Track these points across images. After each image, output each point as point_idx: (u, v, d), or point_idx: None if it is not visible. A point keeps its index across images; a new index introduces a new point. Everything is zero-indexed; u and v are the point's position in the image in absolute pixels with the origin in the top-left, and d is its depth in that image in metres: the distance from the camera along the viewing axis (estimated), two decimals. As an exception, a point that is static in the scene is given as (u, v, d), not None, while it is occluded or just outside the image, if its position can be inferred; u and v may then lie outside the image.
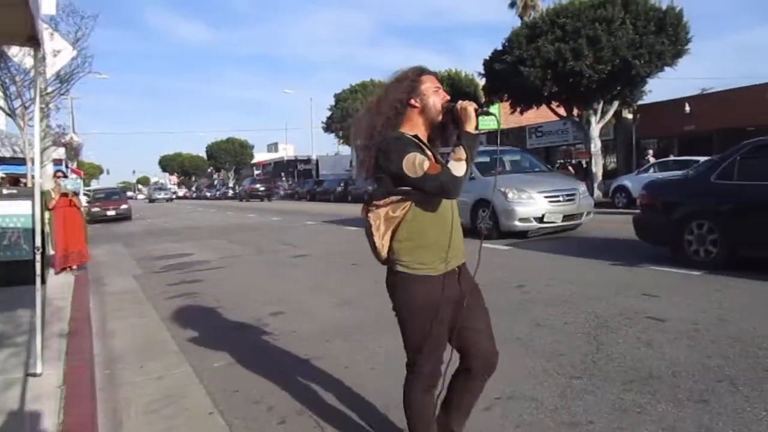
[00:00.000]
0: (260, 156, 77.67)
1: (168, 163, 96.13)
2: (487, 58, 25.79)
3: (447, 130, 2.28)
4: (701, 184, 6.64)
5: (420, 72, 2.28)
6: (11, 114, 9.63)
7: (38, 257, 4.16)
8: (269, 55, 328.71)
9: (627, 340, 4.14)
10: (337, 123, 43.30)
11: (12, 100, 9.50)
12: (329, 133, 45.33)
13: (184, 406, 3.48)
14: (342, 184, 38.27)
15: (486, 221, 10.21)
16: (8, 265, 7.09)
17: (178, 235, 15.83)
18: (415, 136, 2.21)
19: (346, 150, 55.20)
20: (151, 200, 60.16)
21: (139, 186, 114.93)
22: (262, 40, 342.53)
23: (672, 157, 21.51)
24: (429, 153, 2.18)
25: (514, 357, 3.90)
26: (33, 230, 7.22)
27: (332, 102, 45.17)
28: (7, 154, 12.60)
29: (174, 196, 60.83)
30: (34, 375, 3.76)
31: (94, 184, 62.97)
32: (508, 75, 23.33)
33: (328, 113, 44.52)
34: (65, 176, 9.82)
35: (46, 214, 8.13)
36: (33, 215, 6.79)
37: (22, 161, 11.39)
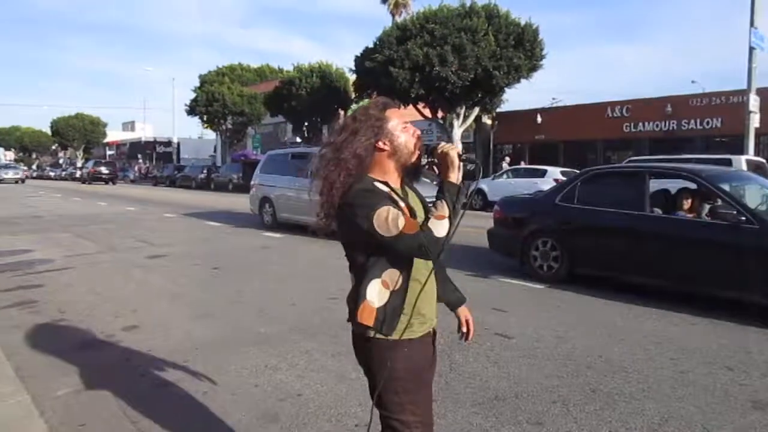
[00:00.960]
0: (115, 135, 72.28)
1: (3, 138, 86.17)
2: (359, 55, 26.14)
3: (420, 171, 2.06)
4: (547, 205, 7.28)
5: (384, 107, 2.01)
6: None
7: None
8: (124, 25, 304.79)
9: (477, 359, 4.46)
10: (201, 107, 41.47)
11: None
12: (193, 116, 43.28)
13: (21, 447, 3.21)
14: (205, 171, 36.86)
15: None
16: None
17: (14, 225, 14.25)
18: (386, 184, 1.96)
19: (209, 134, 53.10)
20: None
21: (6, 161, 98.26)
22: (112, 5, 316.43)
23: (523, 165, 23.27)
24: (402, 205, 1.92)
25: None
26: None
27: (197, 83, 43.19)
28: None
29: (26, 176, 50.28)
30: None
31: None
32: (378, 74, 23.85)
33: (192, 95, 42.48)
34: None
35: None
36: None
37: None
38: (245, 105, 40.67)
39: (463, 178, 2.02)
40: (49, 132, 73.39)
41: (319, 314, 5.75)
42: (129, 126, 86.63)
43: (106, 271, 8.23)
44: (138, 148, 62.73)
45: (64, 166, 63.29)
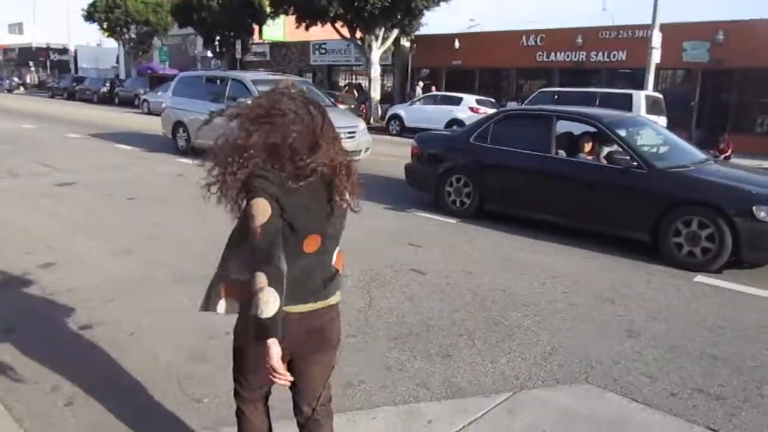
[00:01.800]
0: (1, 38, 65.36)
1: None
2: (276, -32, 24.80)
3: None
4: (462, 143, 7.62)
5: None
6: None
7: None
8: None
9: (394, 294, 4.83)
10: (101, 12, 38.20)
11: None
12: (91, 22, 39.87)
13: (-52, 392, 3.25)
14: (107, 84, 34.44)
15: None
16: None
17: None
18: None
19: (110, 43, 49.21)
20: None
21: None
22: None
23: (438, 92, 23.53)
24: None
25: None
26: None
27: (95, -14, 39.53)
28: None
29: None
30: None
31: None
32: (297, -10, 22.85)
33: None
34: None
35: None
36: None
37: None
38: (150, 14, 37.93)
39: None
40: None
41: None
42: (16, 28, 78.28)
43: (10, 199, 7.86)
44: (29, 54, 57.22)
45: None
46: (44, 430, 2.91)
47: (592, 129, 6.91)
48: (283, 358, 1.89)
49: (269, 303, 1.79)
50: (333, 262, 2.12)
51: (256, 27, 32.17)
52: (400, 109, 21.56)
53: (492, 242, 6.57)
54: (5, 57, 61.04)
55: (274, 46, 35.07)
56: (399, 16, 24.06)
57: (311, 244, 1.98)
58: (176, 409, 3.12)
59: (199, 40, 36.34)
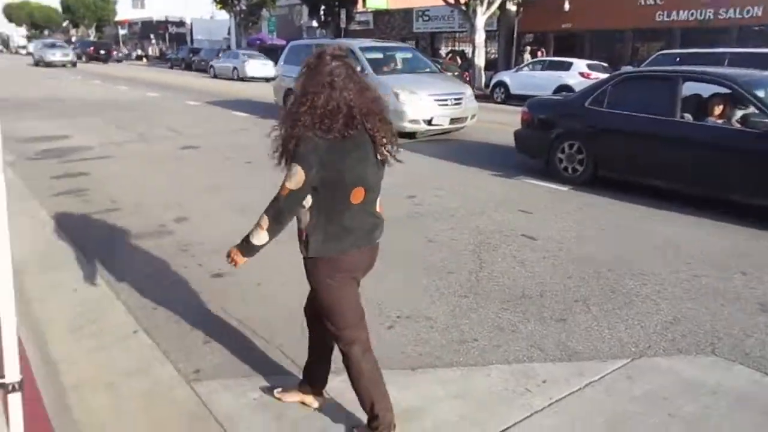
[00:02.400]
0: (125, 13, 70.09)
1: (15, 12, 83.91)
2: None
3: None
4: (576, 108, 7.34)
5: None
6: None
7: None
8: None
9: (505, 259, 4.82)
10: (214, -16, 39.90)
11: None
12: (206, -5, 41.74)
13: (107, 324, 3.66)
14: (220, 56, 35.97)
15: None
16: None
17: (42, 109, 14.46)
18: None
19: (221, 15, 51.34)
20: (44, 63, 37.24)
21: (19, 38, 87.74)
22: None
23: (547, 57, 22.62)
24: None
25: (409, 275, 4.43)
26: None
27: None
28: None
29: (76, 59, 39.47)
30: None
31: None
32: (402, -45, 22.63)
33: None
34: None
35: None
36: None
37: None
38: (260, -15, 39.08)
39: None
40: (59, 8, 71.33)
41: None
42: (139, 3, 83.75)
43: (143, 161, 8.55)
44: (150, 27, 61.05)
45: (76, 44, 62.21)
46: (187, 363, 3.22)
47: (724, 90, 6.41)
48: (358, 280, 2.46)
49: (261, 238, 2.34)
50: (378, 209, 2.47)
51: (360, -5, 32.37)
52: (506, 76, 21.00)
53: (606, 210, 6.35)
54: (129, 30, 65.41)
55: (378, 14, 35.12)
56: (507, -21, 23.30)
57: (357, 195, 2.28)
58: (297, 354, 3.32)
59: (305, 10, 37.08)
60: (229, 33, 48.77)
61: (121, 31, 61.27)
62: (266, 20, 42.69)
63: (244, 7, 41.49)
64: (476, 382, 3.09)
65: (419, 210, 6.17)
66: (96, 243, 5.07)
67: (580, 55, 21.80)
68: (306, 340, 2.79)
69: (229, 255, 2.43)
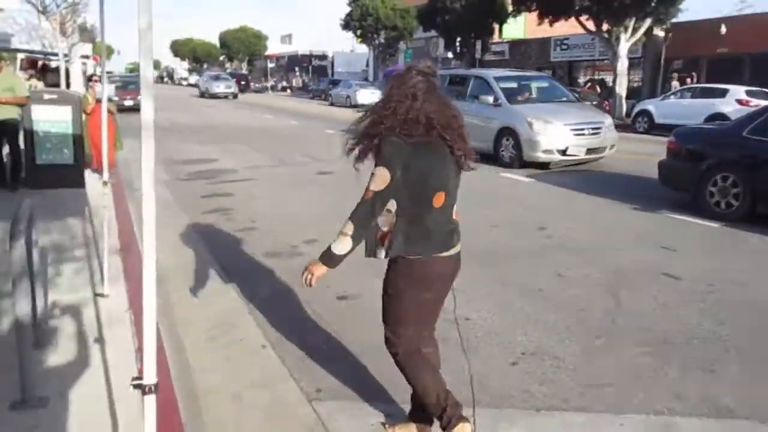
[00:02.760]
0: (274, 48, 75.65)
1: (180, 48, 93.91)
2: (519, -36, 24.55)
3: None
4: (732, 137, 6.70)
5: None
6: (42, 11, 9.52)
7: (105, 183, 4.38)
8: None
9: (644, 298, 4.44)
10: (355, 21, 41.87)
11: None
12: (347, 30, 43.95)
13: (237, 337, 3.84)
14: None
15: (510, 150, 10.36)
16: (51, 169, 7.39)
17: (199, 134, 15.93)
18: None
19: (361, 48, 53.74)
20: (209, 95, 38.45)
21: (182, 71, 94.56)
22: None
23: (698, 84, 21.03)
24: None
25: (537, 309, 4.22)
26: (74, 136, 7.45)
27: (352, -3, 43.46)
28: (37, 47, 12.54)
29: (237, 91, 40.27)
30: (102, 296, 4.11)
31: (107, 66, 61.69)
32: (540, -15, 22.34)
33: (347, 9, 42.94)
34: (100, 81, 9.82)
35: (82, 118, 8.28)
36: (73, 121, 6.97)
37: (53, 54, 11.36)
38: (398, 19, 40.42)
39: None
40: (217, 44, 78.70)
41: (482, 240, 5.96)
42: (287, 39, 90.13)
43: (281, 184, 9.05)
44: (295, 61, 65.30)
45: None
46: (310, 382, 3.27)
47: None
48: (441, 296, 2.59)
49: (345, 246, 2.39)
50: (454, 216, 2.56)
51: (496, 26, 32.30)
52: (650, 104, 19.79)
53: (765, 251, 5.67)
54: (277, 63, 70.35)
55: (514, 44, 34.85)
56: (653, 4, 22.09)
57: (438, 199, 2.38)
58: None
59: (441, 42, 37.69)
60: (367, 65, 50.93)
61: (270, 64, 66.08)
62: (403, 52, 43.99)
63: (382, 40, 43.09)
64: (606, 431, 2.84)
65: (549, 242, 5.90)
66: (234, 259, 5.39)
67: (737, 81, 20.01)
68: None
69: (305, 270, 2.47)
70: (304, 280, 2.46)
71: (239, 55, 73.01)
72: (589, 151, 10.14)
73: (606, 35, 23.73)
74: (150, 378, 1.78)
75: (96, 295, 4.15)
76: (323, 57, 58.86)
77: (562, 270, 5.06)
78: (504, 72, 13.11)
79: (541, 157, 9.96)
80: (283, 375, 3.35)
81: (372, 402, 3.07)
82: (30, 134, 7.43)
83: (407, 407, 2.91)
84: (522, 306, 4.28)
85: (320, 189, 8.69)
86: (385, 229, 2.41)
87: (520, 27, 33.96)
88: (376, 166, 2.30)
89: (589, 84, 27.93)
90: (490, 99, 10.79)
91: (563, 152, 9.96)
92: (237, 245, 5.82)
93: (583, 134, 10.07)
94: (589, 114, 10.96)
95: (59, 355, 3.28)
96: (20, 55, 15.80)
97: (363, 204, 2.34)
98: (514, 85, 11.37)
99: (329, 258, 2.44)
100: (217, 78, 41.57)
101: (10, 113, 7.19)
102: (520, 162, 10.19)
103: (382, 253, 2.45)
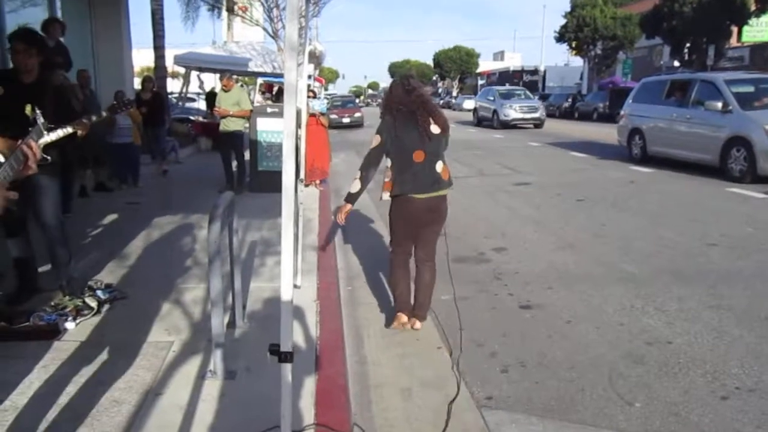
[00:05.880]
0: (486, 65, 76.29)
1: (396, 70, 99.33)
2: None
3: None
4: None
5: None
6: (273, 36, 10.76)
7: (300, 181, 4.75)
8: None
9: None
10: (571, 32, 40.34)
11: (274, 23, 10.60)
12: (561, 43, 42.53)
13: (415, 336, 3.85)
14: (569, 100, 36.16)
15: (740, 162, 9.04)
16: (270, 174, 8.23)
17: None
18: None
19: (576, 61, 51.60)
20: (499, 123, 23.71)
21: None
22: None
23: None
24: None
25: (760, 340, 3.57)
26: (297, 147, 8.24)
27: (568, 8, 41.98)
28: (268, 69, 14.27)
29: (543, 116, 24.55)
30: (296, 286, 4.42)
31: (331, 89, 67.73)
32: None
33: (563, 21, 41.57)
34: (315, 96, 10.80)
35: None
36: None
37: (280, 75, 12.74)
38: (618, 28, 38.00)
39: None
40: (431, 64, 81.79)
41: (694, 259, 5.26)
42: (499, 56, 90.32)
43: (477, 193, 8.98)
44: (506, 77, 64.92)
45: (441, 95, 69.91)
46: (481, 388, 3.15)
47: None
48: (412, 224, 3.75)
49: (355, 186, 3.72)
50: (439, 170, 3.66)
51: (734, 29, 28.62)
52: None
53: None
54: (488, 80, 70.79)
55: (756, 48, 30.56)
56: None
57: (418, 156, 3.59)
58: (602, 403, 2.95)
59: (666, 50, 34.59)
60: (581, 78, 48.75)
61: (480, 81, 66.63)
62: (621, 63, 41.26)
63: (599, 51, 40.92)
64: None
65: (785, 267, 4.98)
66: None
67: None
68: (613, 390, 2.44)
69: (337, 211, 3.83)
70: (335, 218, 3.90)
71: (451, 74, 74.91)
72: None
73: None
74: (286, 346, 1.82)
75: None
76: (534, 72, 57.65)
77: (797, 299, 4.23)
78: (737, 75, 11.53)
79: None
80: (455, 378, 3.27)
81: (544, 418, 2.84)
82: (254, 144, 8.39)
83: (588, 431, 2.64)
84: (741, 334, 3.66)
85: (515, 199, 8.44)
86: (387, 180, 3.67)
87: (763, 29, 29.70)
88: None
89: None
90: (719, 105, 9.53)
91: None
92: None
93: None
94: None
95: (249, 334, 3.59)
96: (259, 80, 18.15)
97: (365, 157, 3.75)
98: (749, 89, 9.92)
99: (349, 197, 3.76)
100: (509, 96, 25.33)
101: (237, 125, 8.25)
102: (753, 176, 8.82)
103: (386, 195, 3.68)
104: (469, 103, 38.17)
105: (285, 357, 1.79)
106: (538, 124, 23.68)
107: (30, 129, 1.91)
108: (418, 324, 3.85)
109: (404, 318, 3.85)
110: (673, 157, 10.84)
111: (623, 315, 4.06)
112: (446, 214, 3.81)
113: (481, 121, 26.11)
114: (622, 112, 13.15)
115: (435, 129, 3.62)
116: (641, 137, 11.93)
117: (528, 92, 27.86)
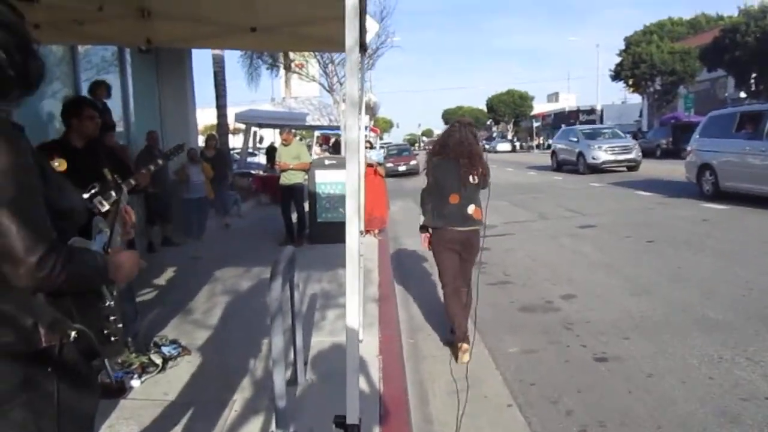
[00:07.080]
0: (540, 107, 75.91)
1: (450, 117, 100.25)
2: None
3: None
4: None
5: None
6: (329, 90, 11.03)
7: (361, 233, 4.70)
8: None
9: None
10: (627, 70, 39.74)
11: (330, 78, 10.88)
12: (617, 81, 41.89)
13: (482, 393, 3.65)
14: (629, 137, 35.21)
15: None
16: (330, 225, 8.27)
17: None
18: None
19: (634, 99, 50.60)
20: (587, 167, 20.32)
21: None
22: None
23: None
24: None
25: None
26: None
27: (622, 46, 41.50)
28: (324, 122, 14.63)
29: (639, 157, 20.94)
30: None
31: (386, 138, 68.79)
32: None
33: (617, 59, 41.04)
34: (371, 147, 10.92)
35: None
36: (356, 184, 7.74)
37: (336, 128, 13.03)
38: (676, 63, 37.15)
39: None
40: (485, 109, 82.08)
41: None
42: (553, 97, 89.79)
43: (540, 238, 8.72)
44: (562, 117, 64.26)
45: (496, 138, 69.63)
46: (557, 450, 2.92)
47: None
48: (453, 251, 4.16)
49: (423, 218, 4.23)
50: (470, 212, 4.07)
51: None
52: None
53: None
54: (543, 122, 70.28)
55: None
56: None
57: (453, 198, 4.04)
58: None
59: (731, 82, 33.49)
60: (640, 115, 47.68)
61: (535, 124, 66.19)
62: (683, 97, 40.13)
63: (658, 87, 40.03)
64: None
65: None
66: (484, 312, 5.23)
67: None
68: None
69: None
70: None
71: (505, 117, 74.84)
72: None
73: None
74: (353, 418, 1.72)
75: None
76: (591, 111, 56.77)
77: None
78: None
79: None
80: (529, 439, 3.05)
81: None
82: (313, 196, 8.48)
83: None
84: None
85: (581, 242, 8.12)
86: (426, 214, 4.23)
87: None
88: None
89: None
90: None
91: None
92: (489, 298, 5.66)
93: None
94: None
95: (311, 392, 3.49)
96: (316, 133, 18.60)
97: (421, 197, 4.26)
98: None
99: (423, 228, 4.29)
100: (594, 135, 21.99)
101: (297, 178, 8.39)
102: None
103: (422, 219, 4.24)
104: (502, 146, 37.85)
105: (351, 430, 1.69)
106: (632, 166, 20.04)
107: (112, 193, 1.94)
108: (465, 346, 4.07)
109: (466, 346, 4.05)
110: (749, 192, 10.27)
111: (711, 367, 3.74)
112: (479, 246, 4.25)
113: (561, 165, 22.95)
114: (689, 148, 12.65)
115: (473, 179, 4.02)
116: (712, 173, 11.40)
117: (618, 130, 23.78)
